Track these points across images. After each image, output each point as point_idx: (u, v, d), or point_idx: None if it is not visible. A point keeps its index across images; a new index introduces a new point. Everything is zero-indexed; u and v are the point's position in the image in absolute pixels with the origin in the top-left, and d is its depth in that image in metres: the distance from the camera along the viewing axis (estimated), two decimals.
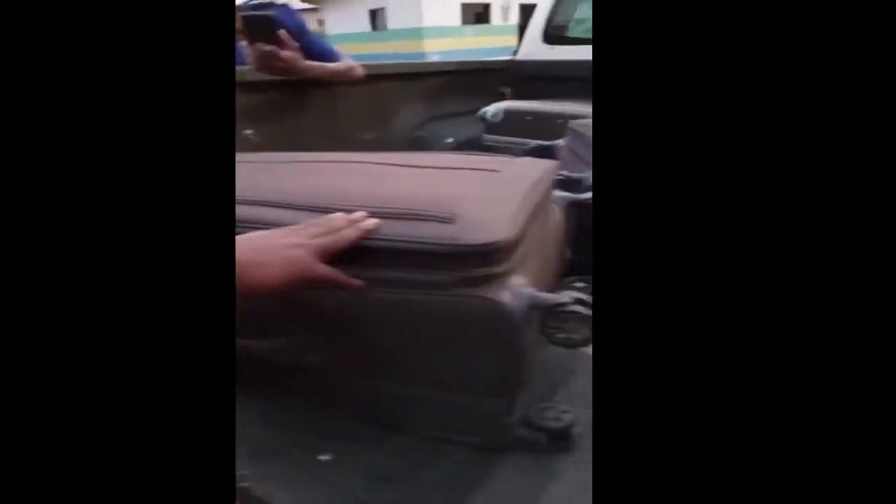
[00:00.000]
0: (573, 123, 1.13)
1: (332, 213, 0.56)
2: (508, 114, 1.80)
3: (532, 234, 0.59)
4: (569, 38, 2.31)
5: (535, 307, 0.52)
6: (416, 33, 11.81)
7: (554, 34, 2.29)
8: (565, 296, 0.52)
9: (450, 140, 2.00)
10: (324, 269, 0.51)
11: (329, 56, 1.53)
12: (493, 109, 1.82)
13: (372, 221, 0.54)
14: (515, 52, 2.46)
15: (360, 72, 1.62)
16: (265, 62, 1.23)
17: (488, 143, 1.88)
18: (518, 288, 0.52)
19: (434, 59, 11.61)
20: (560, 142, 1.19)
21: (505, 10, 13.49)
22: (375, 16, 12.11)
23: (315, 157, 0.85)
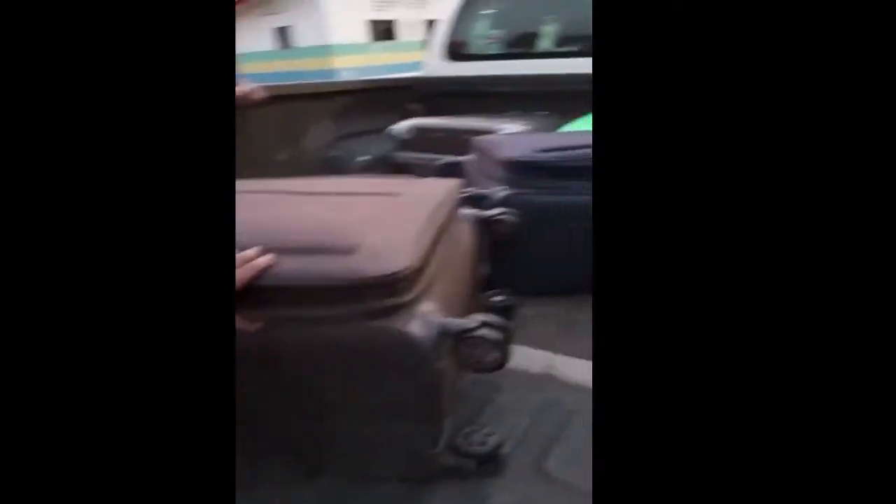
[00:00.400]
0: (476, 140, 1.20)
1: None
2: (418, 130, 1.85)
3: (439, 256, 0.59)
4: (469, 54, 2.41)
5: (445, 334, 0.52)
6: (325, 50, 11.69)
7: (455, 51, 2.38)
8: (473, 320, 0.52)
9: (363, 158, 2.02)
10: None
11: None
12: (402, 126, 1.87)
13: (267, 258, 0.51)
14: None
15: (259, 94, 1.61)
16: None
17: (400, 160, 1.92)
18: (426, 316, 0.52)
19: (345, 75, 11.55)
20: (467, 157, 1.25)
21: (411, 27, 13.65)
22: (282, 33, 11.85)
23: None
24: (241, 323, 0.49)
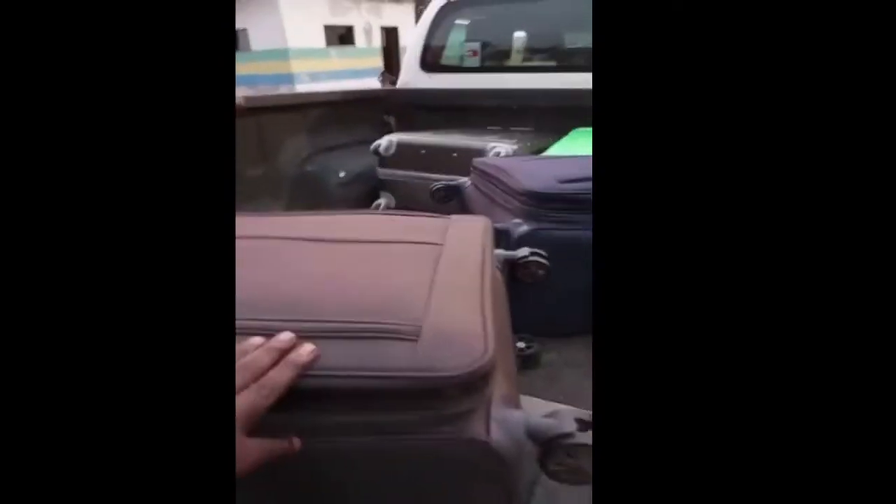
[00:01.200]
0: (479, 163, 1.14)
1: (244, 335, 0.39)
2: (401, 147, 1.79)
3: (497, 324, 0.47)
4: (445, 66, 2.37)
5: (532, 438, 0.41)
6: (282, 54, 11.48)
7: (431, 62, 2.33)
8: (566, 421, 0.40)
9: (342, 174, 1.94)
10: (256, 451, 0.34)
11: None
12: (385, 142, 1.80)
13: (309, 351, 0.37)
14: (382, 75, 2.46)
15: (239, 103, 1.52)
16: None
17: (383, 178, 1.85)
18: (505, 416, 0.41)
19: (303, 79, 11.39)
20: (465, 180, 1.20)
21: (367, 33, 13.60)
22: (238, 37, 11.62)
23: None
24: (278, 445, 0.36)
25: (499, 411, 0.40)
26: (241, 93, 1.61)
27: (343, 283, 0.47)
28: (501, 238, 0.84)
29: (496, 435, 0.39)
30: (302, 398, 0.37)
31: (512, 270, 0.72)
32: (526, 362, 0.86)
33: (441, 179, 1.33)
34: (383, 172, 1.85)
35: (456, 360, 0.38)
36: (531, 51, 2.36)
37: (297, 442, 0.37)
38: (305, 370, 0.37)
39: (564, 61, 2.08)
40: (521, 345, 0.74)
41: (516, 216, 0.89)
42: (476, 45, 2.38)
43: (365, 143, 1.97)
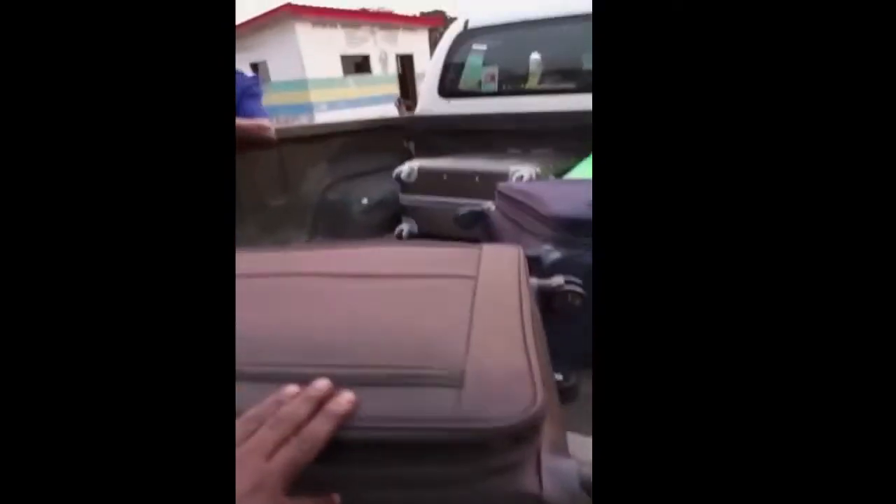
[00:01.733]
0: (505, 187, 1.13)
1: (275, 382, 0.38)
2: (422, 172, 1.79)
3: (541, 363, 0.44)
4: (463, 91, 2.39)
5: (587, 490, 0.38)
6: (302, 85, 11.74)
7: (449, 88, 2.35)
8: None
9: (364, 201, 1.95)
10: None
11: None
12: (406, 169, 1.81)
13: (347, 400, 0.36)
14: (398, 101, 2.48)
15: (270, 133, 1.55)
16: None
17: (406, 203, 1.85)
18: (558, 467, 0.38)
19: (322, 108, 11.63)
20: (489, 205, 1.19)
21: (383, 61, 13.86)
22: (257, 69, 11.94)
23: None
24: (318, 502, 0.34)
25: (550, 461, 0.38)
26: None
27: (378, 324, 0.45)
28: (532, 265, 0.82)
29: (549, 488, 0.36)
30: (340, 450, 0.35)
31: (547, 300, 0.69)
32: (564, 396, 0.82)
33: (464, 204, 1.32)
34: (405, 198, 1.86)
35: (504, 409, 0.35)
36: (548, 73, 2.37)
37: (337, 499, 0.35)
38: (345, 421, 0.35)
39: (582, 83, 2.08)
40: (558, 377, 0.70)
41: (546, 242, 0.87)
42: (494, 70, 2.40)
43: (386, 171, 1.99)
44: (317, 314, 0.48)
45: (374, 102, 11.99)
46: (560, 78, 2.31)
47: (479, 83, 2.44)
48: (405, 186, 1.83)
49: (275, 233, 1.78)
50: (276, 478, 0.31)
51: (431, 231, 1.84)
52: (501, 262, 0.60)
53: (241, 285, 0.53)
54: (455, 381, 0.37)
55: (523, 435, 0.36)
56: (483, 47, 2.41)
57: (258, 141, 1.54)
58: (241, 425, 0.34)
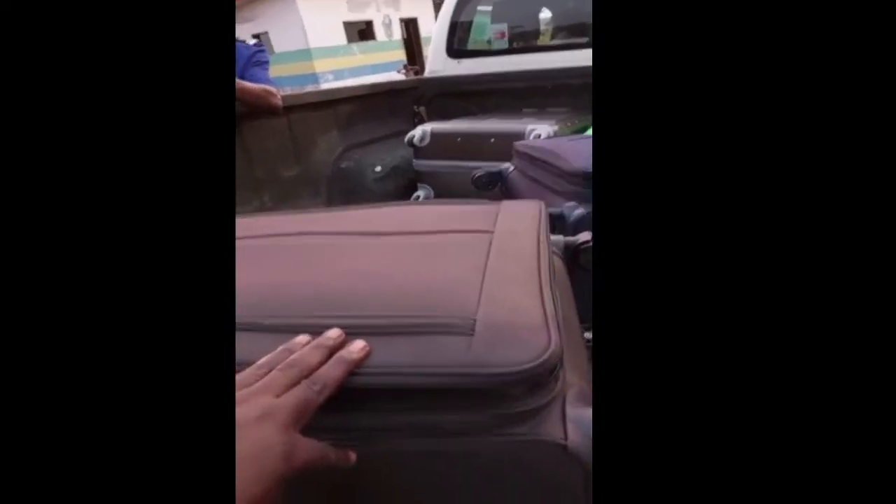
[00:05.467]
0: (521, 146, 1.10)
1: (290, 333, 0.37)
2: (435, 136, 1.76)
3: (562, 315, 0.43)
4: (473, 51, 2.32)
5: None
6: (306, 55, 11.58)
7: (458, 48, 2.29)
8: None
9: (378, 169, 1.93)
10: (307, 450, 0.32)
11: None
12: (419, 133, 1.77)
13: (359, 347, 0.36)
14: (403, 67, 2.42)
15: (276, 100, 1.53)
16: None
17: (420, 169, 1.83)
18: (582, 416, 0.37)
19: (327, 78, 11.48)
20: (507, 165, 1.16)
21: (387, 26, 13.59)
22: (259, 40, 11.81)
23: (240, 224, 0.60)
24: (332, 451, 0.34)
25: (575, 410, 0.37)
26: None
27: (390, 278, 0.45)
28: (556, 223, 0.80)
29: (574, 437, 0.36)
30: (353, 398, 0.35)
31: (573, 257, 0.68)
32: None
33: (480, 167, 1.30)
34: (419, 164, 1.83)
35: (517, 355, 0.34)
36: (560, 29, 2.29)
37: (352, 455, 0.35)
38: (356, 367, 0.35)
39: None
40: (588, 335, 0.69)
41: (569, 199, 0.85)
42: (503, 27, 2.32)
43: (398, 136, 1.95)
44: (329, 269, 0.48)
45: (381, 70, 11.81)
46: (572, 33, 2.23)
47: (489, 42, 2.37)
48: (418, 151, 1.80)
49: (288, 203, 1.78)
50: (285, 412, 0.31)
51: (448, 196, 1.82)
52: (520, 217, 0.58)
53: (255, 245, 0.55)
54: (467, 329, 0.36)
55: (539, 381, 0.35)
56: (489, 7, 2.34)
57: (265, 107, 1.53)
58: (251, 371, 0.34)
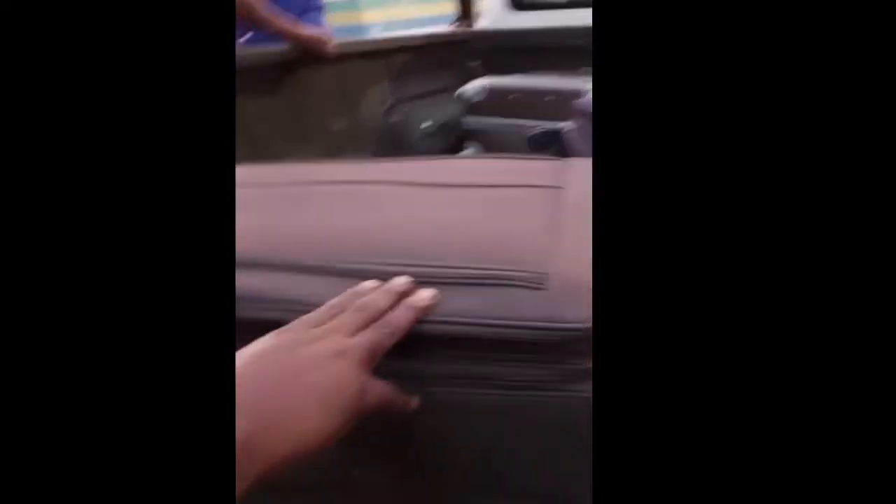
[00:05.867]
0: (580, 104, 1.02)
1: (360, 278, 0.38)
2: (490, 92, 1.67)
3: None
4: (534, 3, 2.18)
5: None
6: (353, 5, 11.39)
7: (518, 0, 2.16)
8: None
9: (427, 124, 1.86)
10: (377, 390, 0.33)
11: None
12: (473, 88, 1.69)
13: (429, 295, 0.36)
14: (455, 21, 2.31)
15: (329, 48, 1.49)
16: None
17: (470, 127, 1.75)
18: None
19: (377, 30, 11.32)
20: (568, 124, 1.08)
21: None
22: None
23: (298, 173, 0.62)
24: (399, 395, 0.35)
25: None
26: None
27: (461, 229, 0.45)
28: None
29: None
30: (421, 345, 0.35)
31: None
32: None
33: (535, 126, 1.22)
34: (471, 121, 1.75)
35: (586, 312, 0.34)
36: None
37: (415, 401, 0.36)
38: (426, 314, 0.35)
39: None
40: None
41: None
42: None
43: (447, 91, 1.87)
44: (396, 217, 0.48)
45: (431, 23, 11.53)
46: None
47: None
48: (471, 107, 1.72)
49: (337, 157, 1.74)
50: (360, 351, 0.32)
51: None
52: (584, 171, 0.55)
53: (318, 190, 0.55)
54: (537, 283, 0.36)
55: None
56: None
57: (319, 53, 1.49)
58: (323, 311, 0.35)
